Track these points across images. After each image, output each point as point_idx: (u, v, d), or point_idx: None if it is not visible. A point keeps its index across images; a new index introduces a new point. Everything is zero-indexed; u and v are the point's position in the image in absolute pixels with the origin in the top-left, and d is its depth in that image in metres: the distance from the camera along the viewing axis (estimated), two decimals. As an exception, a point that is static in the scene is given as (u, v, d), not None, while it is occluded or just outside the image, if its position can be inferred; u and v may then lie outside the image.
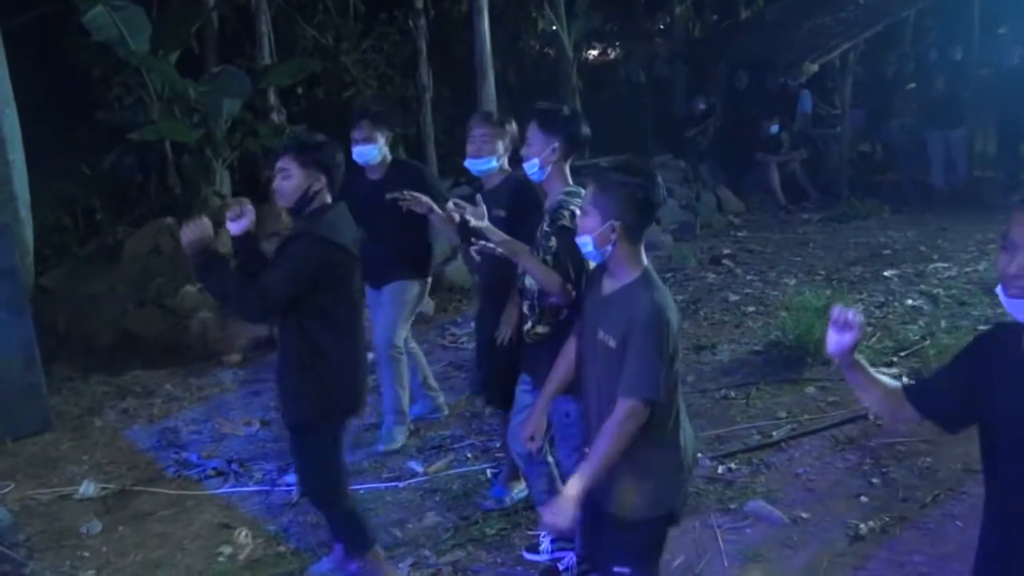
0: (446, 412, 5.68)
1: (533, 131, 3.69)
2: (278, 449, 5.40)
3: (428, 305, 7.89)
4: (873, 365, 6.23)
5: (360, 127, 5.05)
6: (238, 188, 9.51)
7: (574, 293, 3.53)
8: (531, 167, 3.71)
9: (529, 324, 3.75)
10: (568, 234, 3.36)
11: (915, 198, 11.28)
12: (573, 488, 2.70)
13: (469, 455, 5.22)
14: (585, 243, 2.80)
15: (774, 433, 5.18)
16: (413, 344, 5.56)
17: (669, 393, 2.75)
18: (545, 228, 3.63)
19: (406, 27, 11.06)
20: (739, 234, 10.33)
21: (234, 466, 5.23)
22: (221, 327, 7.31)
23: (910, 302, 7.46)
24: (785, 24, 13.33)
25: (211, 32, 10.09)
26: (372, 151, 5.04)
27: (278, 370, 3.68)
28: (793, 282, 8.27)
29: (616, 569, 2.87)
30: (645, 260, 2.82)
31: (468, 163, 4.27)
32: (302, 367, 3.55)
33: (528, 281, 3.72)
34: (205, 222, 3.44)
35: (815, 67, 12.12)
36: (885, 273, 8.33)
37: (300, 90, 10.98)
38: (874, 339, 6.58)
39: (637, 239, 2.78)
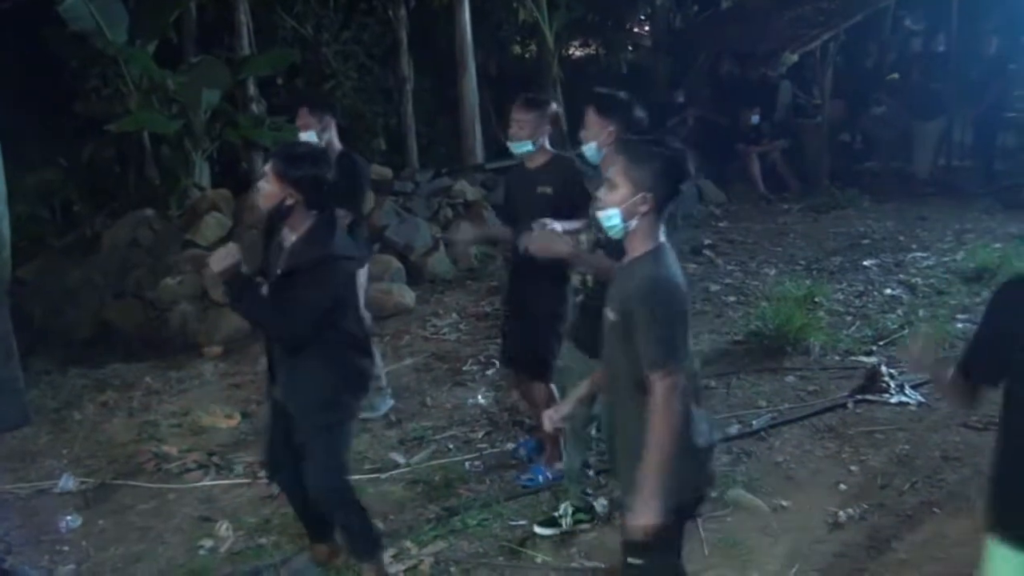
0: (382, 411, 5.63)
1: (591, 116, 3.89)
2: (259, 441, 5.38)
3: (409, 296, 7.88)
4: (852, 354, 6.32)
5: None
6: (217, 180, 9.46)
7: None
8: (589, 150, 3.92)
9: (581, 297, 3.97)
10: None
11: (894, 188, 11.34)
12: (648, 490, 2.64)
13: (451, 446, 5.22)
14: (611, 216, 2.74)
15: (754, 422, 5.21)
16: None
17: None
18: None
19: (386, 18, 11.02)
20: (720, 224, 10.34)
21: (215, 459, 5.21)
22: (201, 319, 7.27)
23: (889, 291, 7.51)
24: (766, 14, 13.32)
25: (189, 22, 10.00)
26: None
27: (291, 379, 3.61)
28: (773, 272, 8.30)
29: (629, 560, 2.83)
30: (662, 236, 2.78)
31: (509, 144, 4.53)
32: (323, 371, 3.55)
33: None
34: (234, 248, 3.49)
35: (795, 57, 12.13)
36: (864, 263, 8.37)
37: (280, 81, 10.92)
38: (853, 328, 6.62)
39: (661, 213, 2.75)
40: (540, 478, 4.66)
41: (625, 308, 2.71)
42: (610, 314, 2.78)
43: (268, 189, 3.51)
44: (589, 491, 4.32)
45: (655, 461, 2.64)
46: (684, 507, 2.80)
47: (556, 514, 4.24)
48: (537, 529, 4.21)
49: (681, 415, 2.66)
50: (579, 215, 4.10)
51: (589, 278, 3.93)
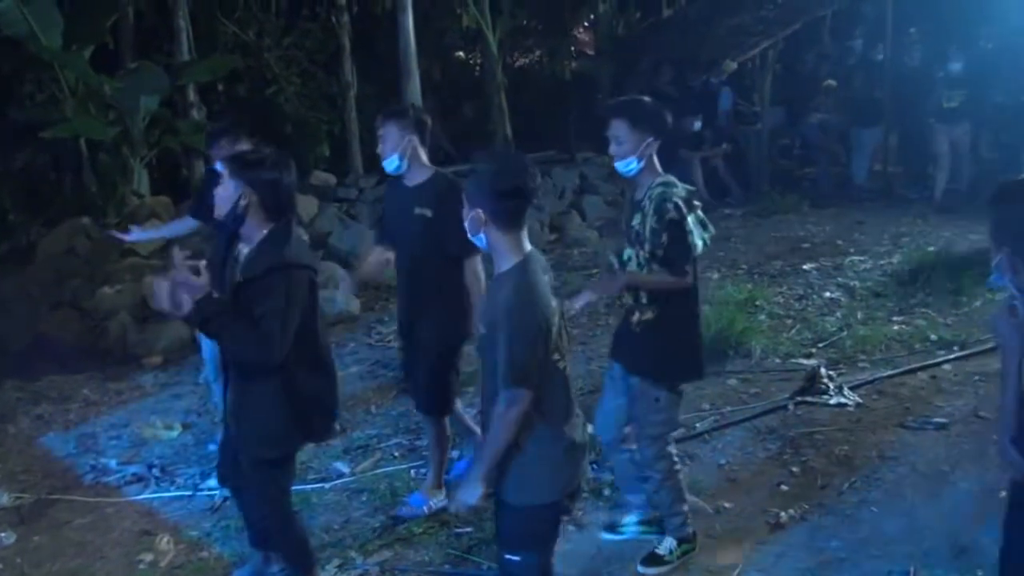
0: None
1: (624, 129, 3.63)
2: (200, 453, 5.31)
3: (354, 304, 7.83)
4: (792, 357, 6.40)
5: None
6: (157, 187, 9.31)
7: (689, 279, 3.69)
8: (627, 165, 3.67)
9: (637, 315, 3.75)
10: (677, 227, 3.57)
11: (833, 193, 11.55)
12: (474, 474, 2.88)
13: (396, 454, 5.19)
14: (467, 231, 2.85)
15: (698, 425, 5.27)
16: None
17: (544, 381, 2.78)
18: (652, 225, 3.62)
19: (329, 23, 10.96)
20: (663, 229, 10.42)
21: (155, 471, 5.12)
22: (140, 329, 7.15)
23: (828, 294, 7.65)
24: (706, 22, 13.52)
25: (127, 27, 9.85)
26: None
27: (239, 404, 3.46)
28: (716, 276, 8.39)
29: (506, 556, 2.95)
30: (527, 248, 2.83)
31: (383, 162, 4.24)
32: (276, 402, 3.37)
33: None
34: (198, 280, 3.22)
35: (734, 65, 12.33)
36: (804, 267, 8.51)
37: (221, 87, 10.79)
38: (794, 331, 6.73)
39: (508, 226, 2.78)
40: (424, 508, 4.47)
41: (489, 322, 2.79)
42: (480, 327, 2.87)
43: (221, 193, 3.35)
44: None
45: (486, 457, 2.85)
46: (557, 506, 2.93)
47: (621, 522, 4.18)
48: (641, 569, 3.99)
49: (517, 426, 2.76)
50: (457, 241, 3.62)
51: (644, 294, 3.72)
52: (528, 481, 2.87)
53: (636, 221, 3.68)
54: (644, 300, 3.73)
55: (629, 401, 3.87)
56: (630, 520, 4.19)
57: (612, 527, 4.22)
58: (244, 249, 3.41)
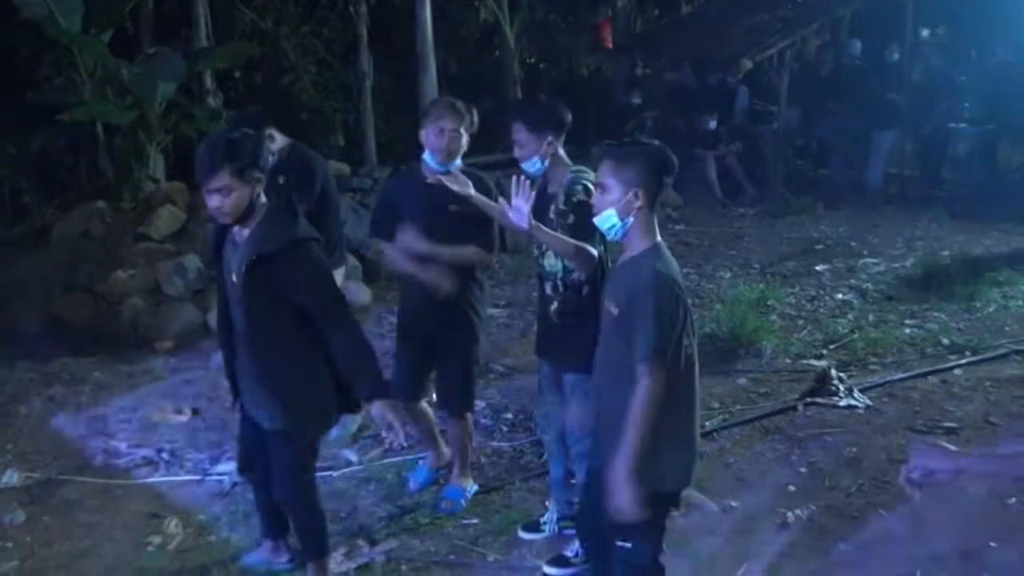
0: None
1: (522, 133, 3.73)
2: (210, 438, 5.33)
3: (365, 294, 7.84)
4: (803, 357, 6.39)
5: None
6: (172, 172, 9.34)
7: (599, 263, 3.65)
8: (533, 165, 3.75)
9: (555, 305, 3.77)
10: (586, 207, 3.42)
11: (848, 195, 11.51)
12: (621, 473, 2.78)
13: (404, 444, 5.19)
14: (608, 217, 2.86)
15: (707, 423, 5.25)
16: None
17: (678, 363, 2.82)
18: (560, 206, 3.67)
19: (347, 13, 10.98)
20: (676, 227, 10.43)
21: (164, 455, 5.14)
22: (152, 314, 7.17)
23: (840, 296, 7.63)
24: (725, 20, 13.49)
25: (146, 12, 9.88)
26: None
27: (258, 374, 3.47)
28: (728, 275, 8.39)
29: (619, 543, 2.96)
30: (658, 235, 2.90)
31: (429, 158, 4.11)
32: (297, 368, 3.41)
33: (548, 262, 3.76)
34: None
35: (750, 64, 12.30)
36: (817, 267, 8.49)
37: (238, 74, 10.82)
38: (805, 332, 6.72)
39: (653, 208, 2.88)
40: (462, 500, 4.48)
41: (631, 300, 2.81)
42: (612, 308, 2.88)
43: (235, 199, 3.23)
44: (575, 499, 4.03)
45: (631, 445, 2.77)
46: (671, 495, 3.00)
47: (541, 520, 4.18)
48: (521, 533, 4.16)
49: (660, 407, 2.77)
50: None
51: (560, 283, 3.72)
52: (659, 466, 2.84)
53: (551, 213, 3.72)
54: (560, 288, 3.75)
55: (562, 396, 3.86)
56: (550, 517, 4.18)
57: (532, 526, 4.21)
58: (243, 232, 3.36)
